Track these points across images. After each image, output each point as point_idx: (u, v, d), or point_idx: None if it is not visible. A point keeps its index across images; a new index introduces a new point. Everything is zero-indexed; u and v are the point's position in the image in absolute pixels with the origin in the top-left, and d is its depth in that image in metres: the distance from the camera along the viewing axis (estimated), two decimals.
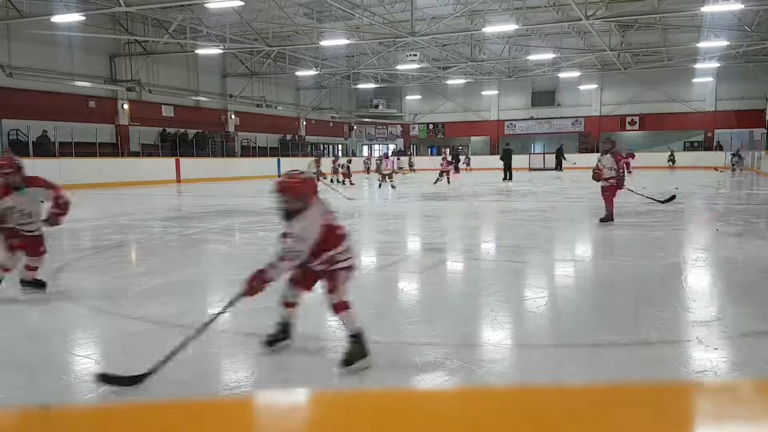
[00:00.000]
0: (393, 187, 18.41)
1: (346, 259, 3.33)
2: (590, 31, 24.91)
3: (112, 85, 24.85)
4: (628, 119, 37.62)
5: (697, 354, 3.44)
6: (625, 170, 10.84)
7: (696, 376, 3.15)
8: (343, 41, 24.49)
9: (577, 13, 19.97)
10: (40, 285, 4.97)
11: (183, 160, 25.87)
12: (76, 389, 3.11)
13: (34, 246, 4.79)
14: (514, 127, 40.51)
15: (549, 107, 39.42)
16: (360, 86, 36.75)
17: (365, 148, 45.07)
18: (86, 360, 3.52)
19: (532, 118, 39.91)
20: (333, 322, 4.26)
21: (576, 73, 33.40)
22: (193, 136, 28.27)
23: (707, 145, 35.76)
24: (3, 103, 20.70)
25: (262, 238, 8.44)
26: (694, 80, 34.43)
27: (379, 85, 36.82)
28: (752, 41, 25.79)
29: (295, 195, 3.23)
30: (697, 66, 31.12)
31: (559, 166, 33.22)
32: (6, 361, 3.50)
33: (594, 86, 36.94)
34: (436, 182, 20.84)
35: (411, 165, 37.11)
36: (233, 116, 31.92)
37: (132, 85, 25.14)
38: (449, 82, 36.21)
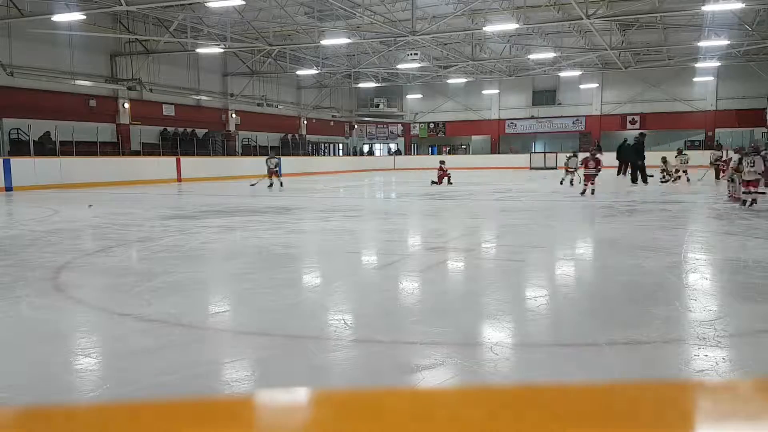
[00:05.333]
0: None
1: None
2: (591, 31, 24.92)
3: (113, 84, 24.87)
4: (629, 118, 37.62)
5: (697, 353, 3.44)
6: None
7: (696, 375, 3.14)
8: (343, 40, 24.51)
9: (578, 12, 19.97)
10: None
11: (184, 159, 25.89)
12: (76, 389, 3.11)
13: None
14: (515, 126, 40.52)
15: (550, 106, 39.43)
16: (361, 85, 36.78)
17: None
18: (87, 359, 3.52)
19: (532, 117, 39.91)
20: (333, 321, 4.27)
21: (577, 72, 33.41)
22: (190, 134, 28.27)
23: (708, 144, 35.77)
24: (4, 102, 20.73)
25: (262, 236, 8.45)
26: (694, 79, 34.43)
27: (379, 84, 36.84)
28: (753, 40, 25.79)
29: None
30: (698, 65, 31.13)
31: None
32: (6, 360, 3.51)
33: (595, 85, 36.94)
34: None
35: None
36: (234, 115, 31.94)
37: (133, 84, 25.17)
38: (450, 81, 36.23)
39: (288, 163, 32.06)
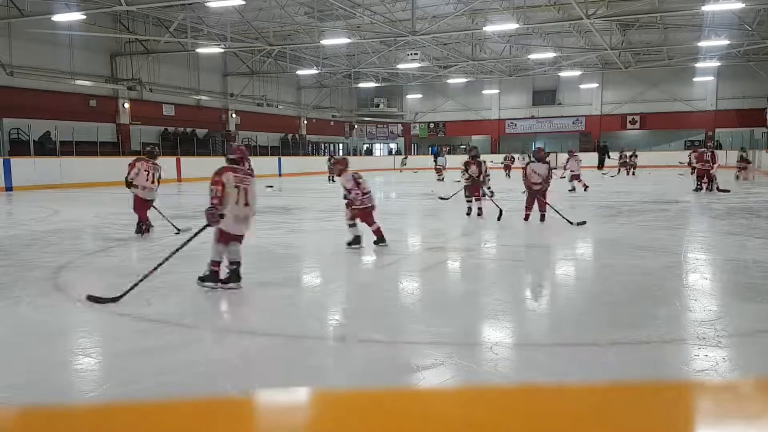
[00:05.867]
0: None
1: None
2: (591, 30, 24.90)
3: (113, 84, 24.86)
4: (629, 118, 37.61)
5: (697, 353, 3.44)
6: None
7: (696, 375, 3.14)
8: (344, 40, 24.50)
9: (578, 12, 19.96)
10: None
11: (184, 159, 25.89)
12: (76, 389, 3.11)
13: None
14: (515, 126, 40.50)
15: (550, 106, 39.41)
16: (361, 85, 36.75)
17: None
18: (87, 359, 3.52)
19: (533, 117, 39.90)
20: (333, 321, 4.27)
21: (577, 72, 33.39)
22: (190, 134, 28.25)
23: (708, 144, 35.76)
24: (4, 102, 20.72)
25: (261, 236, 8.45)
26: (695, 79, 34.42)
27: (379, 84, 36.82)
28: (753, 40, 25.77)
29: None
30: (698, 65, 31.11)
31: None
32: (6, 360, 3.51)
33: (595, 85, 36.93)
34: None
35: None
36: (234, 115, 31.93)
37: (133, 84, 25.16)
38: (450, 81, 36.20)
39: (288, 163, 32.05)
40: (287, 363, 3.37)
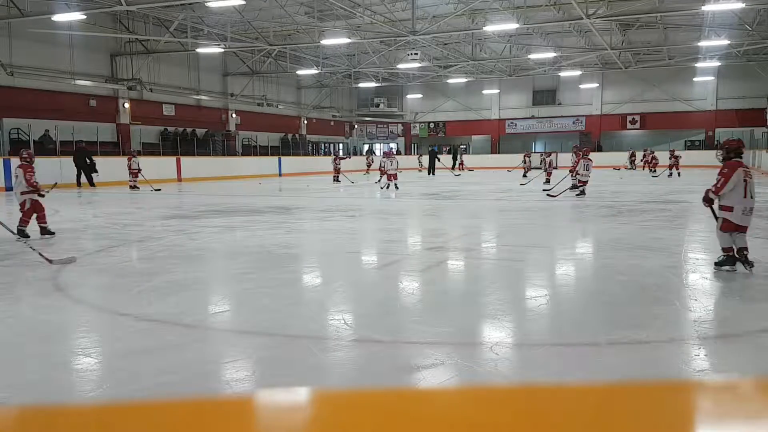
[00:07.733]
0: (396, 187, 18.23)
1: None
2: (591, 30, 24.91)
3: (113, 83, 24.86)
4: (629, 118, 37.61)
5: (697, 353, 3.44)
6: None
7: (696, 375, 3.14)
8: (344, 40, 24.50)
9: (578, 12, 19.97)
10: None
11: (184, 159, 25.89)
12: (76, 389, 3.11)
13: None
14: (515, 125, 40.51)
15: (550, 106, 39.41)
16: (361, 85, 36.75)
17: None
18: (87, 359, 3.52)
19: (533, 117, 39.90)
20: (333, 321, 4.26)
21: (577, 72, 33.40)
22: (190, 134, 28.24)
23: (708, 144, 35.74)
24: (4, 102, 20.71)
25: (262, 236, 8.45)
26: (695, 79, 34.43)
27: (380, 84, 36.82)
28: (753, 40, 25.78)
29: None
30: (698, 65, 31.13)
31: (431, 170, 29.96)
32: (6, 360, 3.51)
33: (595, 85, 36.93)
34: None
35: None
36: (234, 115, 31.93)
37: (133, 83, 25.16)
38: (450, 81, 36.20)
39: (288, 162, 32.05)
40: (287, 363, 3.37)
